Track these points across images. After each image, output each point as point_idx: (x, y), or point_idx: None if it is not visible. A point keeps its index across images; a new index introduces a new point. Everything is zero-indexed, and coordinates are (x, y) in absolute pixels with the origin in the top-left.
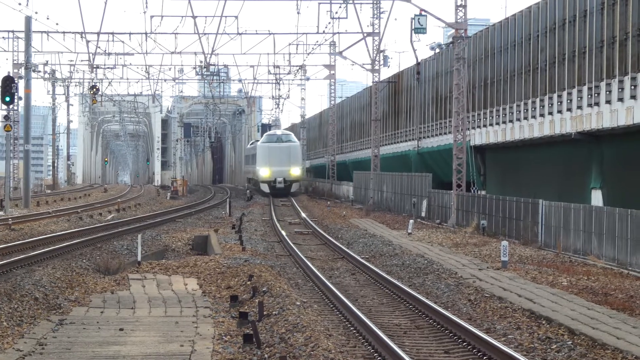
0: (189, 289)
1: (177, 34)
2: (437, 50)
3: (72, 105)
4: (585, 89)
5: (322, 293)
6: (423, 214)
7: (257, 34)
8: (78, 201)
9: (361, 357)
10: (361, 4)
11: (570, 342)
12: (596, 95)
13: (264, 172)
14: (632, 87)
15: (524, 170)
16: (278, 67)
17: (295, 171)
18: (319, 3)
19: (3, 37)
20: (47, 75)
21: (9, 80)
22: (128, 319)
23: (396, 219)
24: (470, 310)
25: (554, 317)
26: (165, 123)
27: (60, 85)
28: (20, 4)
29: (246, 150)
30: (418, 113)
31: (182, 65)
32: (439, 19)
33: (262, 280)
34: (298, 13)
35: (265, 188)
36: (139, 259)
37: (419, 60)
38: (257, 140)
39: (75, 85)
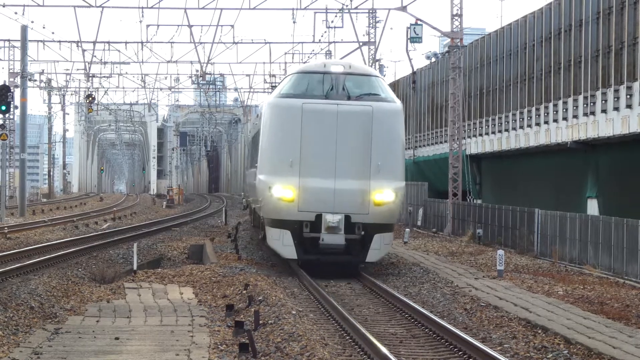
0: (185, 298)
1: (173, 43)
2: (433, 59)
3: (68, 114)
4: (581, 98)
5: (318, 302)
6: (419, 223)
7: (253, 43)
8: (74, 210)
9: None
10: (357, 13)
11: (566, 352)
12: (592, 104)
13: (280, 191)
14: (628, 97)
15: (520, 179)
16: (274, 76)
17: (386, 194)
18: (315, 12)
19: None
20: (43, 84)
21: (4, 89)
22: (124, 328)
23: None
24: (466, 319)
25: (549, 326)
26: (161, 132)
27: (56, 94)
28: (16, 13)
29: (251, 130)
30: (414, 122)
31: (178, 74)
32: (434, 28)
33: (258, 289)
34: (294, 22)
35: (283, 243)
36: (135, 267)
37: (415, 70)
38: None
39: (71, 94)
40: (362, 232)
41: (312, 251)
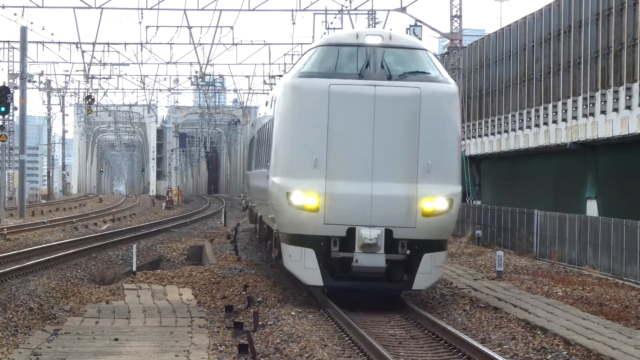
0: (184, 299)
1: (173, 44)
2: None
3: (67, 115)
4: (580, 99)
5: (317, 302)
6: None
7: (252, 44)
8: (73, 211)
9: None
10: (356, 14)
11: (565, 353)
12: (591, 105)
13: (300, 199)
14: (627, 98)
15: (519, 180)
16: (273, 77)
17: (438, 202)
18: (314, 13)
19: None
20: (42, 86)
21: (4, 91)
22: (123, 329)
23: None
24: (466, 320)
25: (549, 327)
26: (160, 133)
27: (55, 96)
28: (15, 14)
29: (254, 124)
30: None
31: (177, 75)
32: (434, 29)
33: (257, 291)
34: (293, 23)
35: (304, 265)
36: (134, 268)
37: None
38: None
39: (71, 96)
40: (408, 251)
41: (343, 276)
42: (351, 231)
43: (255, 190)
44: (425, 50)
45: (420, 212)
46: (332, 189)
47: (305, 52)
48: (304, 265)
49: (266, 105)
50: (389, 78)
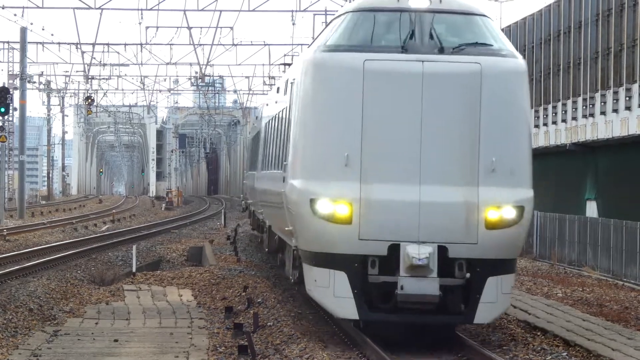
0: (184, 300)
1: (173, 44)
2: None
3: (67, 116)
4: (580, 100)
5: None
6: None
7: (252, 44)
8: (73, 212)
9: None
10: None
11: (565, 354)
12: (591, 106)
13: (328, 207)
14: (627, 99)
15: None
16: (273, 78)
17: (506, 211)
18: (314, 14)
19: None
20: (42, 86)
21: (4, 91)
22: (123, 330)
23: None
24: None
25: (549, 328)
26: (160, 134)
27: (55, 96)
28: (15, 14)
29: (260, 116)
30: None
31: (177, 76)
32: None
33: (257, 292)
34: (293, 24)
35: (334, 292)
36: (134, 269)
37: None
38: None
39: (70, 96)
40: (467, 274)
41: (383, 306)
42: (394, 249)
43: (262, 194)
44: (485, 16)
45: (482, 224)
46: (368, 194)
47: (331, 21)
48: (334, 293)
49: (277, 93)
50: (441, 51)
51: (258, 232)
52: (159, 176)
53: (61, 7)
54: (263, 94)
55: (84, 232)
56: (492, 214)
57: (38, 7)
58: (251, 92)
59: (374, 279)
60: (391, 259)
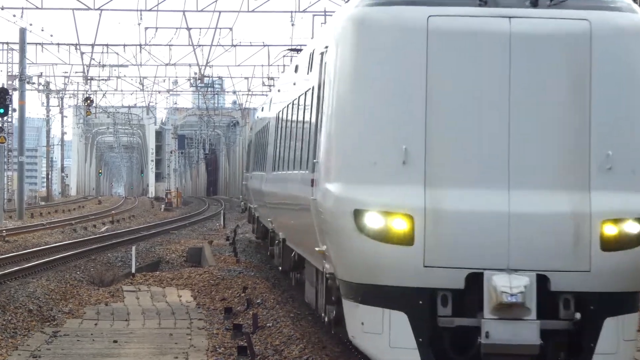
0: (183, 301)
1: (172, 45)
2: None
3: (66, 117)
4: None
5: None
6: None
7: (251, 45)
8: (72, 213)
9: None
10: None
11: None
12: None
13: (378, 221)
14: None
15: None
16: (272, 78)
17: (629, 226)
18: (314, 15)
19: None
20: (41, 87)
21: (3, 92)
22: (122, 331)
23: None
24: None
25: None
26: (159, 135)
27: (54, 97)
28: (14, 15)
29: (271, 103)
30: None
31: (176, 76)
32: None
33: (256, 292)
34: (292, 25)
35: (390, 341)
36: (133, 270)
37: None
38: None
39: (70, 97)
40: (577, 315)
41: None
42: (474, 280)
43: (273, 199)
44: None
45: (597, 243)
46: (436, 202)
47: None
48: (389, 342)
49: (296, 72)
50: (534, 4)
51: (263, 240)
52: (158, 177)
53: (60, 8)
54: (262, 94)
55: (83, 233)
56: (610, 230)
57: (37, 8)
58: (250, 93)
59: (447, 322)
60: (470, 294)
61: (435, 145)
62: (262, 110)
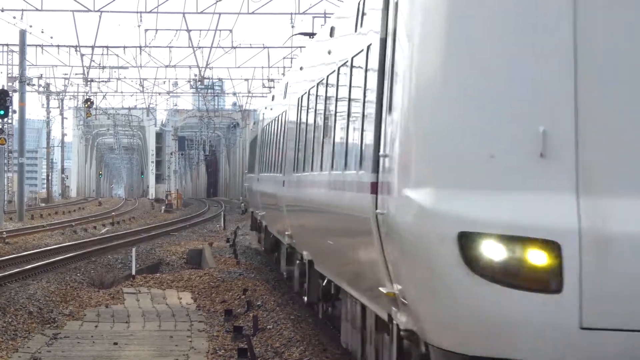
0: (183, 303)
1: (172, 47)
2: None
3: (66, 118)
4: None
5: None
6: None
7: (251, 47)
8: (72, 214)
9: None
10: None
11: None
12: None
13: (500, 252)
14: None
15: None
16: (272, 80)
17: None
18: (313, 17)
19: None
20: (41, 89)
21: (3, 94)
22: (122, 333)
23: None
24: None
25: None
26: (159, 136)
27: (54, 99)
28: (14, 17)
29: (291, 83)
30: None
31: (176, 78)
32: None
33: (256, 294)
34: (292, 27)
35: None
36: (134, 272)
37: None
38: None
39: (70, 99)
40: None
41: None
42: None
43: (293, 206)
44: None
45: None
46: (599, 220)
47: None
48: None
49: (332, 35)
50: None
51: (271, 253)
52: (159, 178)
53: (60, 10)
54: (262, 96)
55: (83, 235)
56: None
57: (37, 9)
58: (250, 94)
59: None
60: None
61: (593, 128)
62: (273, 99)
